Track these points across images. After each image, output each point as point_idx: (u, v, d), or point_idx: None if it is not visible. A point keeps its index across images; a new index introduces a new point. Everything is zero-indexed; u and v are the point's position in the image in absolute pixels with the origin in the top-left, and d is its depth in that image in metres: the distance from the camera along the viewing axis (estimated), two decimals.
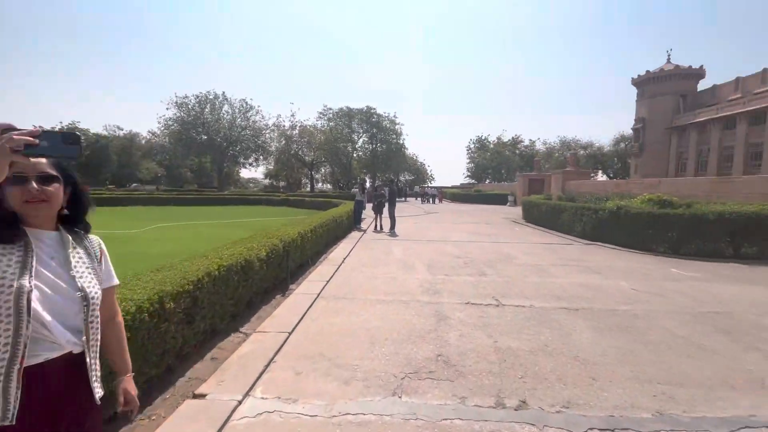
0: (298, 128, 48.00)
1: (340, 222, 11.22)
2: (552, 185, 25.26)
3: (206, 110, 46.38)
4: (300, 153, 49.70)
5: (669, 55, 47.31)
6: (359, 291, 5.54)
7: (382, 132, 46.73)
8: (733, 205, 9.42)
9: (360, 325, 4.17)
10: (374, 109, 45.71)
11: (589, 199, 14.04)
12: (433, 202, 36.25)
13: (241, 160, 51.99)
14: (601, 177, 62.86)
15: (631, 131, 51.54)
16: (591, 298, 5.31)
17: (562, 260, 8.15)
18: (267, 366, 3.17)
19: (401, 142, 48.02)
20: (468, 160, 62.32)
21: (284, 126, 47.94)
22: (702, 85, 45.12)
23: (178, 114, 45.43)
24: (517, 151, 60.87)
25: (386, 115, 46.63)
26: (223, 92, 46.42)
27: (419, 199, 40.47)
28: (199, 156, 52.13)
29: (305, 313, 4.51)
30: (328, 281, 6.03)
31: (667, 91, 45.35)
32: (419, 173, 66.15)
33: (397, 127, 47.41)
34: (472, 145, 66.10)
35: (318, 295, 5.27)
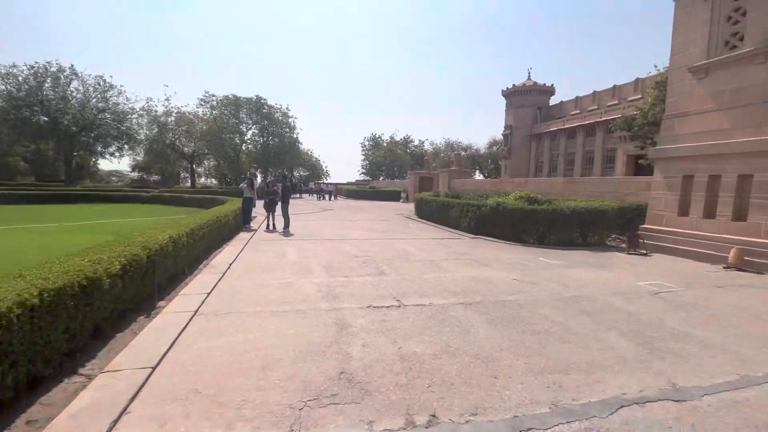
0: (174, 115, 42.27)
1: (225, 222, 10.01)
2: (440, 183, 27.19)
3: (46, 85, 37.38)
4: (178, 143, 43.92)
5: (529, 73, 55.55)
6: (248, 302, 4.84)
7: (274, 124, 44.27)
8: (581, 202, 11.26)
9: (249, 345, 3.57)
10: (265, 99, 43.03)
11: (473, 196, 15.37)
12: (329, 198, 35.80)
13: (99, 149, 43.46)
14: (478, 176, 70.63)
15: (501, 136, 59.08)
16: (482, 291, 5.61)
17: (454, 255, 8.60)
18: (116, 421, 2.39)
19: (295, 136, 46.28)
20: (363, 157, 63.56)
21: (156, 111, 41.69)
22: (553, 100, 54.03)
23: (2, 87, 35.64)
24: (408, 150, 64.37)
25: (278, 106, 44.34)
26: (72, 65, 38.01)
27: (315, 195, 39.58)
28: (36, 141, 41.80)
29: (177, 337, 3.68)
30: (209, 293, 5.16)
31: (528, 103, 53.13)
32: (314, 169, 64.87)
33: (290, 120, 45.51)
34: (366, 143, 67.52)
35: (196, 311, 4.42)
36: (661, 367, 3.35)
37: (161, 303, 4.77)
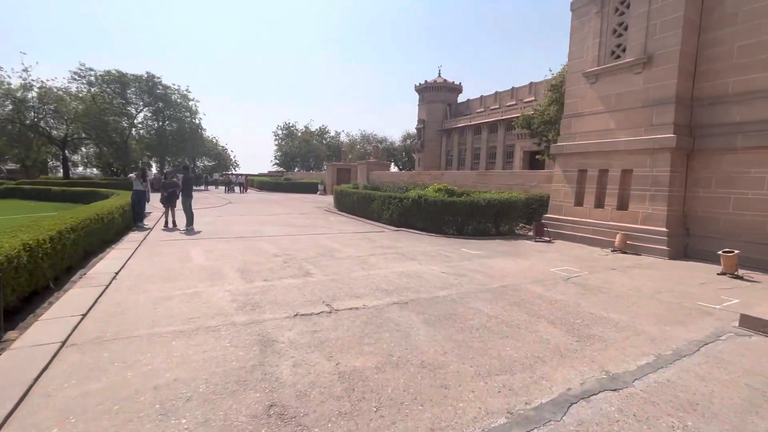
0: (36, 90, 34.72)
1: (110, 220, 8.32)
2: (359, 175, 26.95)
3: None
4: (44, 125, 36.30)
5: (440, 71, 58.34)
6: (141, 322, 3.90)
7: (171, 107, 39.25)
8: (495, 194, 11.95)
9: (143, 383, 2.77)
10: (159, 78, 37.77)
11: (393, 188, 15.40)
12: (240, 191, 33.16)
13: None
14: (393, 168, 72.39)
15: (415, 130, 61.23)
16: (414, 288, 5.42)
17: (380, 249, 8.36)
18: None
19: (197, 121, 41.69)
20: (276, 147, 60.28)
21: (9, 84, 33.76)
22: (461, 98, 57.59)
23: None
24: (325, 141, 62.94)
25: (176, 87, 39.34)
26: None
27: (223, 188, 36.34)
28: None
29: (33, 384, 2.71)
30: (85, 314, 4.05)
31: (439, 99, 55.82)
32: (221, 159, 59.55)
33: (191, 104, 40.80)
34: (279, 132, 64.19)
35: (64, 342, 3.38)
36: (592, 355, 3.47)
37: (11, 334, 3.57)
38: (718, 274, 6.97)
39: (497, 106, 47.76)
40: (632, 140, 9.17)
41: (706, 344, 3.84)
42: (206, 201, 20.92)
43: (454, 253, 8.19)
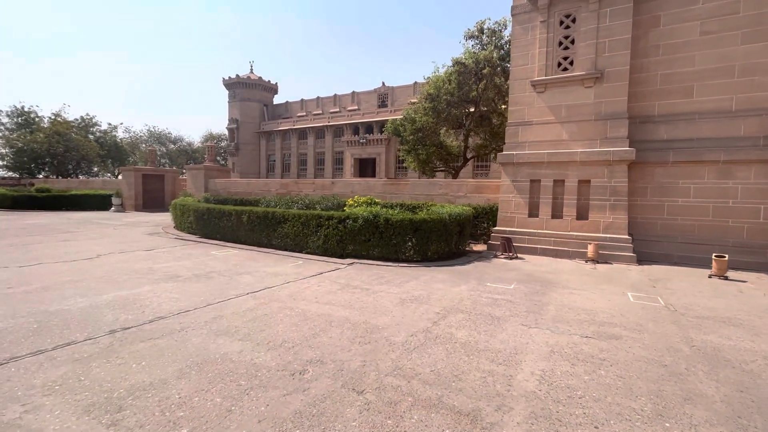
0: None
1: None
2: (188, 183, 20.26)
3: None
4: None
5: (251, 66, 52.49)
6: None
7: None
8: (451, 207, 10.40)
9: None
10: None
11: (296, 201, 11.62)
12: None
13: None
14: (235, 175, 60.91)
15: (222, 130, 53.13)
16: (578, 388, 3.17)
17: (414, 303, 5.36)
18: None
19: None
20: (3, 142, 39.67)
21: None
22: (278, 99, 53.81)
23: None
24: (92, 137, 46.10)
25: None
26: None
27: None
28: None
29: None
30: None
31: (254, 98, 50.29)
32: None
33: None
34: (5, 119, 43.06)
35: None
36: None
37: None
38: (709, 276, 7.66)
39: (320, 111, 46.85)
40: (589, 152, 9.42)
41: None
42: None
43: (480, 292, 6.13)
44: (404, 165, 41.67)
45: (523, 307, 5.42)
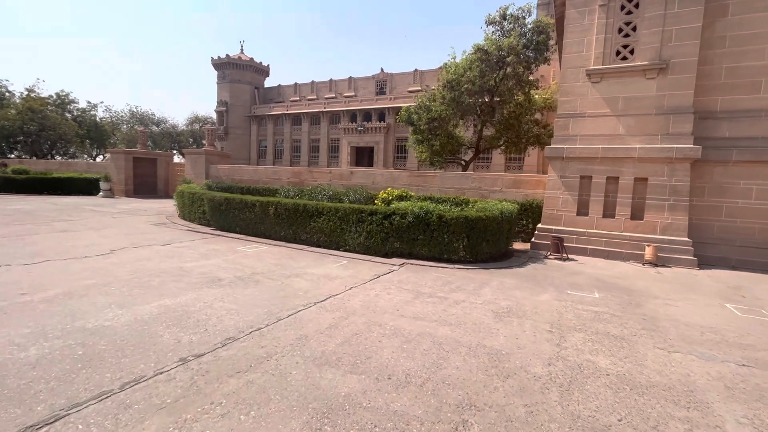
0: None
1: None
2: (187, 168, 18.88)
3: None
4: None
5: (242, 46, 50.02)
6: None
7: None
8: (493, 203, 9.70)
9: None
10: None
11: (287, 190, 10.79)
12: None
13: None
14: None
15: (209, 113, 50.72)
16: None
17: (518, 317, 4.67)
18: None
19: None
20: None
21: None
22: (270, 83, 51.64)
23: None
24: (70, 115, 43.10)
25: None
26: None
27: None
28: None
29: None
30: None
31: (245, 79, 48.03)
32: None
33: None
34: None
35: None
36: None
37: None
38: None
39: (315, 97, 45.19)
40: (649, 147, 8.84)
41: None
42: None
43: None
44: (403, 155, 40.74)
45: (635, 324, 4.80)
